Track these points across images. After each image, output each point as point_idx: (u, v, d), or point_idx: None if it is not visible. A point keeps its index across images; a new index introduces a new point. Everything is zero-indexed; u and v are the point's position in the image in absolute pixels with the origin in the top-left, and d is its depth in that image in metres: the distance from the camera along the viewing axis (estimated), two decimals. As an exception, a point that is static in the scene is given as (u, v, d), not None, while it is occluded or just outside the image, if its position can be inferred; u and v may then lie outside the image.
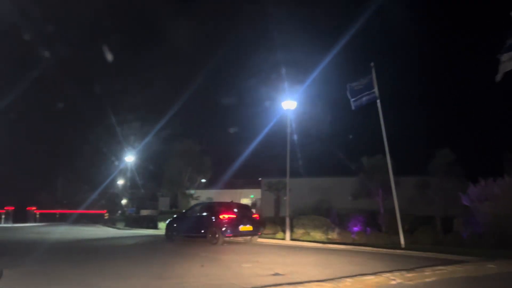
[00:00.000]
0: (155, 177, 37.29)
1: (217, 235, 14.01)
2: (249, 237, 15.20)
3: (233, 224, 14.24)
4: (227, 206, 15.40)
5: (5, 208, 35.76)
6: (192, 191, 28.35)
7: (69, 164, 52.41)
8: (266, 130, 21.21)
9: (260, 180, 29.01)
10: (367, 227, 17.54)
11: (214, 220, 14.44)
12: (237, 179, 33.60)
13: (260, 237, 16.85)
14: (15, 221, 35.97)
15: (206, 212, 15.51)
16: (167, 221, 17.65)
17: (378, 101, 14.35)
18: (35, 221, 37.44)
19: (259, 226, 15.54)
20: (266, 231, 18.56)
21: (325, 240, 15.52)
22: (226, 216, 14.32)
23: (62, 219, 40.92)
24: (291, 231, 16.43)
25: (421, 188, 17.95)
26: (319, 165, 23.38)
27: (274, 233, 17.89)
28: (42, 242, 16.87)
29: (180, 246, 14.38)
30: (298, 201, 20.87)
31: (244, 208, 15.82)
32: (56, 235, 21.74)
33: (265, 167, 28.30)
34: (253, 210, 32.24)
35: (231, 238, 14.42)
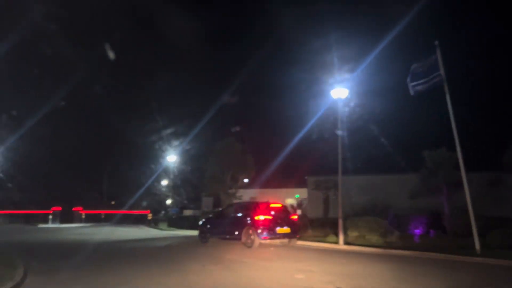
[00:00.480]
0: (198, 177, 36.60)
1: (252, 237, 13.19)
2: (286, 240, 14.27)
3: (270, 226, 13.40)
4: (263, 206, 14.41)
5: (52, 208, 36.32)
6: (234, 191, 27.20)
7: (114, 165, 53.18)
8: (312, 122, 19.51)
9: (307, 178, 27.33)
10: (430, 229, 15.61)
11: (249, 221, 13.66)
12: (281, 178, 32.12)
13: (306, 240, 15.57)
14: (62, 222, 36.47)
15: (241, 213, 14.65)
16: (200, 222, 17.00)
17: (445, 85, 12.41)
18: (81, 222, 37.78)
19: (297, 228, 14.54)
20: (315, 234, 17.03)
21: (383, 245, 13.71)
22: (262, 217, 13.48)
23: (107, 220, 41.18)
24: (344, 233, 14.77)
25: (493, 185, 15.72)
26: (371, 161, 21.37)
27: (324, 236, 16.26)
28: (81, 244, 16.42)
29: (213, 248, 13.69)
30: (348, 201, 19.11)
31: (281, 209, 14.78)
32: (97, 236, 21.31)
33: (312, 164, 26.62)
34: (299, 211, 30.76)
35: (267, 240, 13.58)
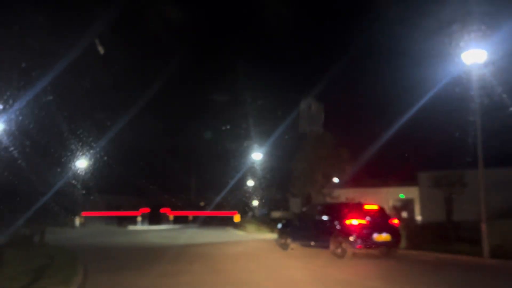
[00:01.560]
0: (285, 176, 33.88)
1: (343, 246, 11.28)
2: (385, 249, 11.97)
3: (365, 232, 11.41)
4: (355, 208, 12.44)
5: (140, 210, 36.19)
6: (329, 191, 23.89)
7: (201, 165, 52.74)
8: (427, 98, 15.42)
9: (419, 174, 22.92)
10: None
11: (339, 226, 11.81)
12: (381, 175, 27.95)
13: (420, 249, 12.62)
14: (150, 223, 36.18)
15: (328, 216, 12.71)
16: (279, 225, 15.32)
17: None
18: (169, 224, 37.24)
19: (399, 235, 12.22)
20: (435, 241, 13.32)
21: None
22: (355, 221, 11.58)
23: (194, 221, 40.35)
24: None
25: None
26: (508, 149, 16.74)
27: (446, 244, 12.48)
28: (162, 248, 15.12)
29: (295, 258, 12.00)
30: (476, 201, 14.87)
31: (378, 211, 12.60)
32: (181, 239, 19.61)
33: (426, 157, 22.25)
34: (405, 213, 26.45)
35: (362, 250, 11.55)
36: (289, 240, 13.87)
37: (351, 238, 11.23)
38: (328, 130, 24.52)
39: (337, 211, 12.64)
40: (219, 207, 41.50)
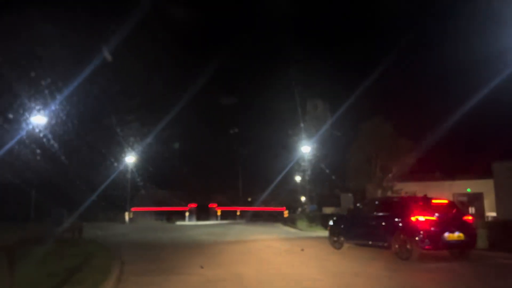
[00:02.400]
0: (338, 169, 31.84)
1: (408, 247, 9.76)
2: (458, 250, 10.35)
3: (435, 230, 9.78)
4: (422, 203, 10.83)
5: (188, 205, 35.64)
6: (390, 184, 21.77)
7: (248, 160, 51.92)
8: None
9: (494, 164, 20.25)
10: None
11: (402, 223, 10.27)
12: (446, 167, 25.27)
13: (503, 250, 10.88)
14: (198, 219, 35.54)
15: (388, 211, 11.13)
16: (331, 222, 13.90)
17: None
18: (216, 219, 36.45)
19: (474, 234, 10.52)
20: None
21: None
22: (422, 217, 9.93)
23: (242, 217, 39.35)
24: None
25: None
26: None
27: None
28: (210, 245, 13.92)
29: (352, 259, 10.42)
30: None
31: (448, 206, 10.91)
32: (228, 236, 18.40)
33: (502, 145, 19.57)
34: (472, 208, 23.76)
35: (431, 251, 9.98)
36: (342, 238, 12.54)
37: (418, 237, 9.65)
38: (386, 118, 22.38)
39: (400, 206, 11.08)
40: (266, 202, 40.30)
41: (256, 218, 38.13)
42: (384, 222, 10.91)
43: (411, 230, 9.89)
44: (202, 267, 8.71)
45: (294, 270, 8.77)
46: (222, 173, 52.53)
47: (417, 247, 9.67)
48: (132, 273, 8.31)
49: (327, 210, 31.40)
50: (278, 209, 33.63)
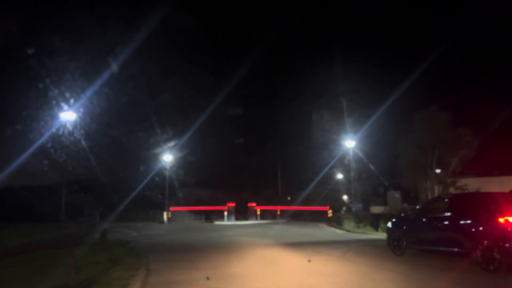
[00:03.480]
0: (385, 165, 29.50)
1: (496, 255, 7.88)
2: None
3: None
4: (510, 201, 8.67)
5: (227, 204, 34.29)
6: (451, 179, 19.33)
7: (287, 158, 50.30)
8: None
9: None
10: None
11: (487, 225, 8.36)
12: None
13: None
14: (237, 218, 34.14)
15: (466, 211, 9.21)
16: (390, 224, 12.09)
17: None
18: (256, 218, 34.90)
19: None
20: None
21: None
22: None
23: (282, 216, 37.61)
24: None
25: None
26: None
27: None
28: (247, 249, 11.94)
29: (424, 270, 8.42)
30: None
31: None
32: (268, 238, 16.76)
33: None
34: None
35: None
36: (404, 243, 10.70)
37: (510, 244, 7.75)
38: (443, 107, 19.93)
39: (483, 204, 9.10)
40: (306, 201, 38.40)
41: (296, 218, 36.29)
42: (461, 223, 9.04)
43: (500, 235, 7.97)
44: (208, 279, 7.27)
45: (360, 285, 7.01)
46: (261, 172, 51.14)
47: (508, 256, 7.71)
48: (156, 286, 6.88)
49: (375, 209, 29.14)
50: (321, 208, 31.63)
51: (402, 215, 12.86)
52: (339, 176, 45.38)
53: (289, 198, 48.93)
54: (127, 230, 24.28)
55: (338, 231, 22.02)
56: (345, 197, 46.19)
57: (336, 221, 25.92)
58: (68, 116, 21.56)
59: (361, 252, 11.77)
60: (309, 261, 9.75)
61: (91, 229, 13.67)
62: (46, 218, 28.25)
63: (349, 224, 23.12)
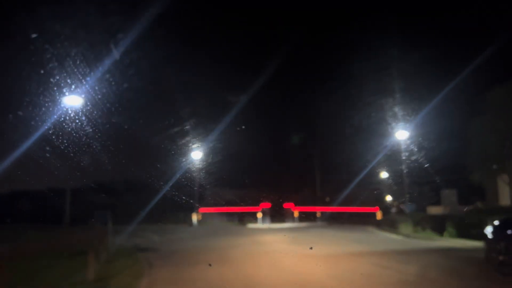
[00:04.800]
0: (439, 159, 25.31)
1: None
2: None
3: None
4: None
5: (260, 205, 31.02)
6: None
7: (326, 155, 46.77)
8: None
9: None
10: None
11: None
12: None
13: None
14: (273, 220, 30.87)
15: None
16: (490, 228, 9.09)
17: None
18: (293, 221, 31.59)
19: None
20: None
21: None
22: None
23: (323, 218, 34.06)
24: None
25: None
26: None
27: None
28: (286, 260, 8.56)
29: None
30: None
31: None
32: (318, 247, 13.51)
33: None
34: None
35: None
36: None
37: None
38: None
39: None
40: (346, 202, 34.85)
41: (337, 220, 32.67)
42: None
43: None
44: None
45: None
46: (297, 171, 47.70)
47: None
48: None
49: (433, 210, 25.20)
50: (368, 209, 27.98)
51: (506, 219, 9.32)
52: (383, 174, 41.42)
53: (327, 199, 45.53)
54: (151, 234, 21.66)
55: (394, 236, 18.44)
56: (388, 198, 42.35)
57: (388, 224, 22.19)
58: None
59: (447, 269, 8.36)
60: None
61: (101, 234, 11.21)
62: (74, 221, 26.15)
63: (406, 227, 19.42)
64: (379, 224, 24.52)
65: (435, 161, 25.24)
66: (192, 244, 15.85)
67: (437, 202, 32.72)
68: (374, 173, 40.99)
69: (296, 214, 32.32)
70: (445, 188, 32.06)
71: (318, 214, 34.45)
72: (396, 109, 25.18)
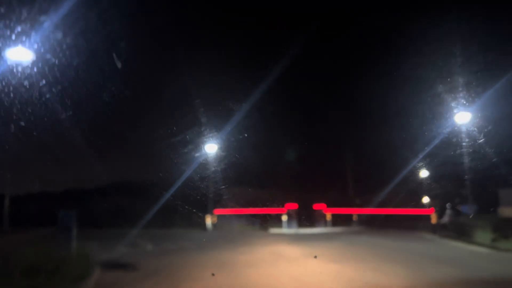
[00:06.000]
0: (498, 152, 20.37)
1: None
2: None
3: None
4: None
5: (286, 206, 26.28)
6: None
7: (360, 151, 42.24)
8: None
9: None
10: None
11: None
12: None
13: None
14: (300, 225, 26.11)
15: None
16: None
17: None
18: (325, 225, 26.85)
19: None
20: None
21: None
22: None
23: (360, 222, 29.28)
24: None
25: None
26: None
27: None
28: None
29: None
30: None
31: None
32: (360, 266, 8.83)
33: None
34: None
35: None
36: None
37: None
38: None
39: None
40: (382, 204, 30.27)
41: (369, 223, 27.99)
42: None
43: None
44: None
45: None
46: (326, 169, 43.24)
47: None
48: None
49: (506, 211, 20.06)
50: (422, 211, 23.02)
51: None
52: (423, 173, 36.56)
53: (358, 201, 41.09)
54: (146, 241, 17.25)
55: (471, 247, 13.47)
56: (425, 199, 37.73)
57: (456, 231, 17.03)
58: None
59: None
60: None
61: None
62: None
63: (485, 236, 14.32)
64: (434, 229, 19.54)
65: (502, 153, 20.35)
66: (191, 258, 11.44)
67: (495, 203, 27.89)
68: (411, 174, 36.38)
69: (328, 217, 27.52)
70: (505, 187, 27.06)
71: (355, 218, 29.61)
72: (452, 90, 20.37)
